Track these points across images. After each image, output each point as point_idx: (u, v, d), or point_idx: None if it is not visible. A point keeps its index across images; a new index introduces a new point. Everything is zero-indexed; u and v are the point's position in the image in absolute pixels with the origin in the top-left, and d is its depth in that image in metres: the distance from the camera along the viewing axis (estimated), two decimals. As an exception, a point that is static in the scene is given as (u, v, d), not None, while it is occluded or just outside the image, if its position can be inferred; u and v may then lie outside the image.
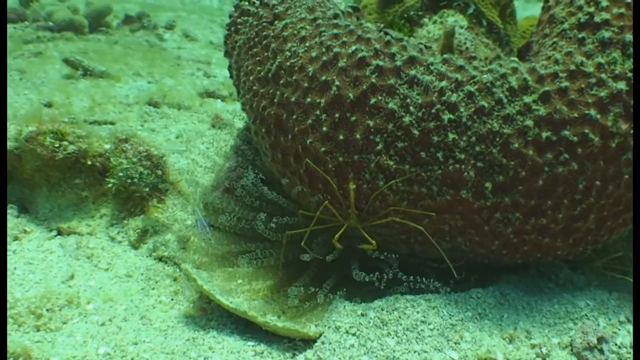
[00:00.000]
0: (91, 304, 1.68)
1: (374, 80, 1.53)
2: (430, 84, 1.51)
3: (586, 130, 1.47)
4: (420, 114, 1.50)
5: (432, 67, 1.53)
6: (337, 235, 1.55)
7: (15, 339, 1.45)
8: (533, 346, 1.53)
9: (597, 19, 1.55)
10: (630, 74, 1.50)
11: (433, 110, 1.49)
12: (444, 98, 1.49)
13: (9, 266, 1.81)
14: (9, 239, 1.95)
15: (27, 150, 2.11)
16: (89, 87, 3.55)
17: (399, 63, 1.53)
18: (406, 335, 1.53)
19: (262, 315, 1.56)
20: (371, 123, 1.53)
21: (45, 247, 1.95)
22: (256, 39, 1.85)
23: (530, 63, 1.55)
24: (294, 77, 1.64)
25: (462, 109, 1.48)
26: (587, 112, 1.47)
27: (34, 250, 1.93)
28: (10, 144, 2.13)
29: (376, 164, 1.54)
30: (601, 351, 1.51)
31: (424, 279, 1.62)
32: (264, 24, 1.84)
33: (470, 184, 1.50)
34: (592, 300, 1.66)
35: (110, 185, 2.05)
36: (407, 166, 1.52)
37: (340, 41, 1.62)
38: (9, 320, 1.53)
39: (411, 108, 1.51)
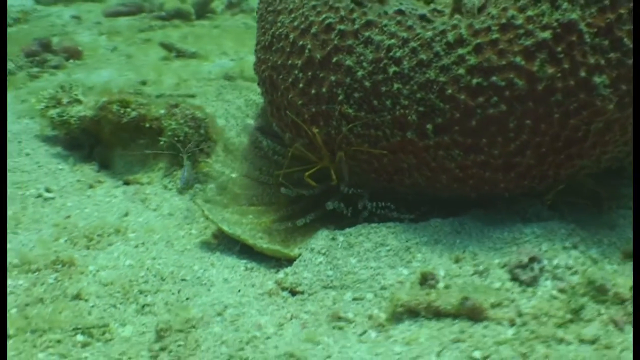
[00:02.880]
0: (134, 233, 2.14)
1: (336, 42, 1.84)
2: (381, 42, 1.79)
3: (511, 75, 1.69)
4: (371, 68, 1.79)
5: (385, 28, 1.81)
6: (308, 173, 1.88)
7: (67, 252, 1.93)
8: (475, 265, 1.78)
9: (531, -24, 1.75)
10: (556, 24, 1.69)
11: (381, 65, 1.78)
12: (391, 54, 1.77)
13: (82, 207, 2.31)
14: (85, 187, 2.46)
15: (101, 117, 2.61)
16: (180, 67, 4.07)
17: (357, 26, 1.83)
18: (366, 255, 1.84)
19: (252, 239, 1.93)
20: (333, 78, 1.84)
21: (111, 194, 2.44)
22: (264, 13, 2.20)
23: (472, 18, 1.78)
24: (281, 44, 1.99)
25: (405, 63, 1.76)
26: (513, 59, 1.69)
27: (102, 195, 2.42)
28: (90, 112, 2.65)
29: (339, 112, 1.85)
30: (531, 269, 1.73)
31: (387, 208, 1.90)
32: (269, 0, 2.19)
33: (414, 126, 1.77)
34: (542, 229, 1.86)
35: (162, 143, 2.50)
36: (363, 113, 1.82)
37: (316, 11, 1.93)
38: (68, 242, 2.01)
39: (364, 64, 1.80)
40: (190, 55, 4.28)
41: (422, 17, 1.83)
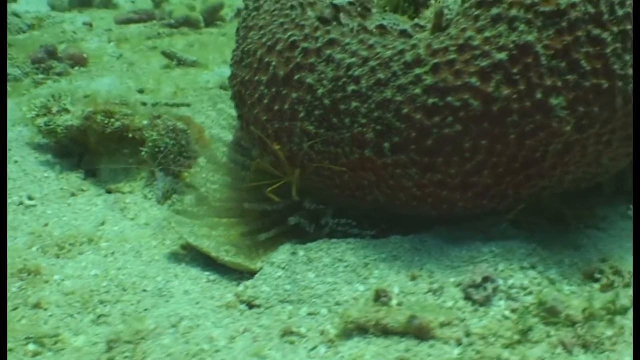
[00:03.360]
0: (107, 242, 2.18)
1: (299, 60, 1.87)
2: (341, 61, 1.81)
3: (466, 96, 1.70)
4: (330, 86, 1.81)
5: (347, 47, 1.83)
6: (270, 189, 1.90)
7: (35, 261, 1.97)
8: (430, 283, 1.79)
9: (490, -3, 1.76)
10: (512, 45, 1.70)
11: (340, 83, 1.80)
12: (350, 72, 1.79)
13: (61, 215, 2.37)
14: (67, 195, 2.52)
15: (87, 126, 2.67)
16: (179, 75, 4.13)
17: (319, 44, 1.85)
18: (324, 270, 1.86)
19: (215, 251, 1.97)
20: (295, 95, 1.87)
21: (92, 202, 2.50)
22: (239, 28, 2.24)
23: (432, 39, 1.80)
24: (249, 60, 2.02)
25: (363, 81, 1.78)
26: (468, 80, 1.70)
27: (82, 203, 2.48)
28: (77, 122, 2.71)
29: (300, 129, 1.87)
30: (484, 289, 1.74)
31: (348, 225, 1.92)
32: (246, 15, 2.22)
33: (372, 144, 1.79)
34: (501, 248, 1.86)
35: (143, 153, 2.55)
36: (323, 130, 1.84)
37: (283, 28, 1.96)
38: (39, 251, 2.06)
39: (324, 82, 1.82)
40: (191, 63, 4.34)
41: (403, 33, 1.84)
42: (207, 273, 1.98)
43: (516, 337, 1.62)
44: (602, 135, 1.80)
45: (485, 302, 1.73)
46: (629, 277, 1.84)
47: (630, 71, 1.74)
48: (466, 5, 1.81)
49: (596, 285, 1.84)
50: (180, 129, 2.58)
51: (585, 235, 2.05)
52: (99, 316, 1.72)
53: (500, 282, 1.78)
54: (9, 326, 1.64)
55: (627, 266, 1.88)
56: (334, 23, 1.92)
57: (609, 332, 1.64)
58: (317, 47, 1.85)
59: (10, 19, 5.81)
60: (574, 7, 1.70)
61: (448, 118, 1.72)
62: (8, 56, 4.55)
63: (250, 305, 1.82)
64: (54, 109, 2.80)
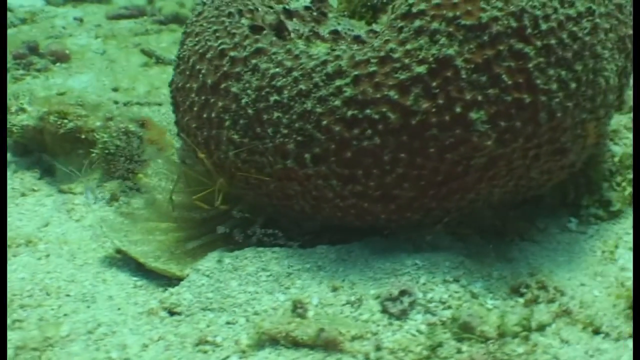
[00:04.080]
0: (46, 244, 2.19)
1: (226, 69, 1.87)
2: (266, 70, 1.81)
3: (384, 109, 1.69)
4: (254, 96, 1.81)
5: (273, 57, 1.83)
6: (196, 197, 1.90)
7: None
8: (350, 295, 1.79)
9: (414, 9, 1.74)
10: (432, 59, 1.68)
11: (263, 93, 1.79)
12: (273, 82, 1.79)
13: (9, 215, 2.38)
14: (17, 195, 2.54)
15: (42, 127, 2.68)
16: (156, 74, 4.14)
17: (246, 53, 1.85)
18: (247, 279, 1.86)
19: (143, 257, 1.97)
20: (221, 104, 1.86)
21: (41, 202, 2.51)
22: (183, 34, 2.23)
23: (355, 50, 1.79)
24: (183, 66, 2.02)
25: (285, 92, 1.77)
26: (387, 93, 1.69)
27: (31, 204, 2.49)
28: (32, 122, 2.72)
29: (227, 138, 1.87)
30: (401, 302, 1.73)
31: (274, 235, 1.92)
32: (190, 21, 2.22)
33: (293, 154, 1.78)
34: (426, 261, 1.86)
35: (93, 154, 2.56)
36: (248, 139, 1.84)
37: (215, 36, 1.96)
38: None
39: (249, 91, 1.82)
40: (169, 62, 4.34)
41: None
42: (135, 279, 1.98)
43: (425, 352, 1.62)
44: (528, 149, 1.79)
45: (402, 315, 1.73)
46: (554, 292, 1.83)
47: (554, 86, 1.72)
48: (392, 16, 1.80)
49: (521, 300, 1.83)
50: (132, 132, 2.58)
51: (518, 248, 2.04)
52: (14, 321, 1.73)
53: (420, 295, 1.77)
54: None
55: (556, 281, 1.87)
56: (264, 32, 1.91)
57: (520, 350, 1.63)
58: (244, 56, 1.85)
59: (2, 13, 5.82)
60: (496, 21, 1.68)
61: (367, 131, 1.71)
62: (-11, 51, 4.57)
63: (172, 313, 1.82)
64: (13, 109, 2.82)
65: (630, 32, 1.95)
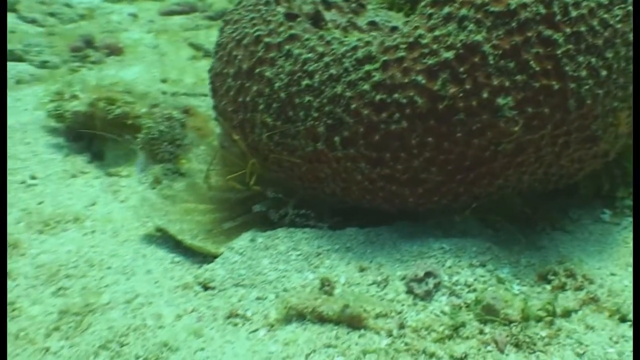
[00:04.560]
0: (92, 222, 2.31)
1: (260, 54, 1.94)
2: (299, 56, 1.87)
3: (412, 94, 1.73)
4: (287, 80, 1.87)
5: (306, 42, 1.89)
6: (230, 176, 1.98)
7: (17, 235, 2.12)
8: (377, 275, 1.83)
9: (444, -4, 1.78)
10: (460, 45, 1.72)
11: (295, 77, 1.86)
12: (305, 67, 1.85)
13: (57, 194, 2.51)
14: (68, 177, 2.67)
15: (92, 112, 2.81)
16: (204, 66, 4.24)
17: (280, 39, 1.92)
18: (278, 258, 1.92)
19: (180, 235, 2.06)
20: (255, 88, 1.93)
21: (89, 184, 2.63)
22: (222, 24, 2.32)
23: (384, 36, 1.83)
24: (220, 53, 2.10)
25: (317, 76, 1.83)
26: (415, 77, 1.73)
27: (80, 185, 2.62)
28: (83, 108, 2.85)
29: (260, 121, 1.94)
30: (426, 283, 1.77)
31: (306, 216, 1.98)
32: (231, 9, 2.30)
33: (323, 137, 1.84)
34: (453, 245, 1.89)
35: (138, 139, 2.67)
36: (280, 122, 1.90)
37: (252, 24, 2.03)
38: (25, 226, 2.21)
39: (282, 76, 1.88)
40: (217, 55, 4.45)
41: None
42: (173, 255, 2.07)
43: (448, 332, 1.65)
44: (557, 137, 1.80)
45: (426, 296, 1.76)
46: (582, 280, 1.84)
47: (584, 73, 1.73)
48: (422, 4, 1.83)
49: (548, 287, 1.84)
50: (175, 118, 2.68)
51: (549, 237, 2.04)
52: (59, 289, 1.84)
53: (445, 278, 1.80)
54: (-24, 294, 1.77)
55: (585, 270, 1.87)
56: (299, 19, 1.97)
57: (543, 333, 1.64)
58: (278, 42, 1.91)
59: (62, 9, 6.06)
60: (524, 8, 1.70)
61: (395, 114, 1.75)
62: (50, 44, 4.78)
63: (206, 287, 1.90)
64: (66, 96, 2.96)
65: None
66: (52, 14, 5.96)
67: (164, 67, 4.30)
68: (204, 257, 2.05)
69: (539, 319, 1.69)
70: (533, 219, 2.07)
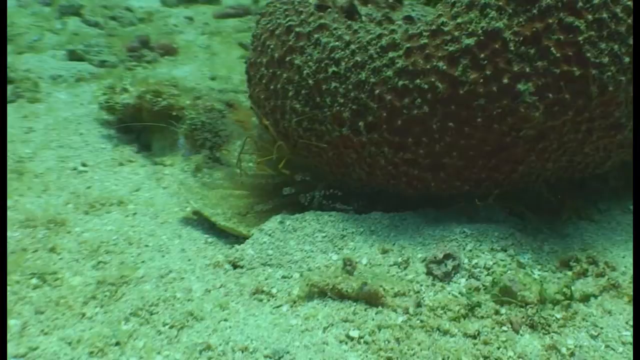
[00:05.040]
0: (135, 205, 2.44)
1: (291, 43, 2.02)
2: (327, 44, 1.95)
3: (433, 79, 1.78)
4: (315, 68, 1.95)
5: (334, 32, 1.96)
6: (259, 160, 2.07)
7: (65, 215, 2.26)
8: (398, 257, 1.89)
9: (468, -15, 1.82)
10: (481, 32, 1.76)
11: (322, 65, 1.93)
12: (332, 55, 1.92)
13: (105, 180, 2.66)
14: (116, 165, 2.82)
15: (140, 105, 2.96)
16: (252, 65, 4.38)
17: (310, 29, 2.00)
18: (304, 239, 2.00)
19: (214, 217, 2.16)
20: (285, 75, 2.02)
21: (135, 172, 2.77)
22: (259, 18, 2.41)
23: (410, 24, 1.89)
24: (255, 44, 2.20)
25: (343, 63, 1.90)
26: (436, 63, 1.78)
27: (126, 172, 2.76)
28: (132, 100, 3.01)
29: (290, 107, 2.02)
30: (445, 265, 1.81)
31: (333, 198, 2.05)
32: (267, 4, 2.40)
33: (348, 123, 1.91)
34: (475, 230, 1.92)
35: (181, 129, 2.80)
36: (308, 109, 1.98)
37: (285, 14, 2.12)
38: (72, 207, 2.35)
39: (310, 63, 1.96)
40: (265, 55, 4.57)
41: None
42: (207, 236, 2.17)
43: (463, 311, 1.69)
44: (580, 123, 1.82)
45: (445, 277, 1.81)
46: (603, 266, 1.84)
47: (606, 59, 1.74)
48: (447, -7, 1.88)
49: (570, 273, 1.86)
50: (218, 110, 2.79)
51: (575, 226, 2.05)
52: (99, 262, 1.96)
53: (465, 260, 1.84)
54: (21, 262, 1.91)
55: (607, 257, 1.88)
56: (329, 10, 2.05)
57: (559, 316, 1.66)
58: (308, 32, 1.99)
59: (122, 13, 6.31)
60: (546, -5, 1.73)
61: (417, 100, 1.80)
62: (108, 45, 5.00)
63: (235, 266, 1.99)
64: (117, 89, 3.12)
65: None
66: (113, 18, 6.19)
67: (213, 65, 4.45)
68: (236, 238, 2.15)
69: (556, 302, 1.71)
70: (559, 208, 2.08)
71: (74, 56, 4.68)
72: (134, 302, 1.75)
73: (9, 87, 3.65)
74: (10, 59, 4.36)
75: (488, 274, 1.81)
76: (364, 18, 2.10)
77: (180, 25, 6.15)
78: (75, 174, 2.70)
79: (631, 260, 1.90)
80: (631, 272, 1.83)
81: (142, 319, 1.68)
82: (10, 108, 3.40)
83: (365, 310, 1.71)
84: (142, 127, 3.13)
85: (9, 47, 4.91)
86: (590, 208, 2.14)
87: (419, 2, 2.65)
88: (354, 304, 1.74)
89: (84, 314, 1.71)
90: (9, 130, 3.01)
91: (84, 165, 2.77)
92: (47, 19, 5.88)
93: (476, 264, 1.82)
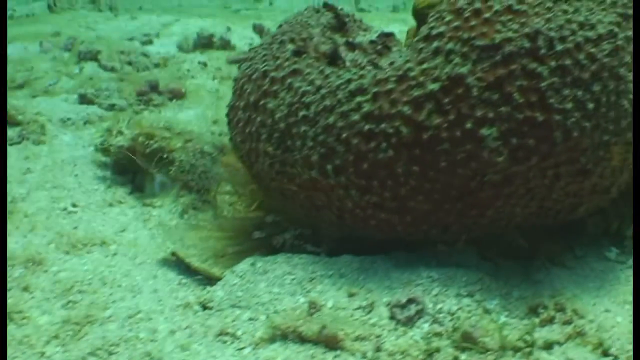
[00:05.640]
0: (118, 246, 2.46)
1: (266, 87, 2.06)
2: (298, 88, 1.98)
3: (397, 123, 1.80)
4: (286, 112, 1.99)
5: (306, 77, 2.00)
6: (232, 203, 2.09)
7: (44, 255, 2.29)
8: (364, 300, 1.88)
9: (434, 31, 1.86)
10: (445, 77, 1.78)
11: (294, 109, 1.97)
12: (302, 99, 1.96)
13: (93, 221, 2.70)
14: (106, 206, 2.86)
15: (133, 147, 3.02)
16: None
17: (283, 74, 2.04)
18: (274, 281, 2.00)
19: (187, 258, 2.18)
20: (259, 119, 2.06)
21: (124, 213, 2.81)
22: (245, 62, 2.47)
23: (379, 70, 1.92)
24: (235, 88, 2.24)
25: (313, 107, 1.93)
26: (401, 108, 1.80)
27: (115, 213, 2.80)
28: (127, 143, 3.07)
29: (263, 150, 2.05)
30: (408, 309, 1.80)
31: (303, 240, 2.06)
32: (249, 49, 2.46)
33: (317, 165, 1.93)
34: (442, 275, 1.91)
35: (171, 172, 2.84)
36: (280, 151, 2.01)
37: (262, 60, 2.17)
38: (54, 247, 2.39)
39: (282, 107, 2.00)
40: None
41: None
42: (181, 277, 2.18)
43: (421, 357, 1.67)
44: (545, 169, 1.81)
45: (408, 322, 1.79)
46: (571, 314, 1.82)
47: (569, 105, 1.75)
48: (415, 39, 1.91)
49: (537, 320, 1.83)
50: (208, 153, 2.84)
51: (548, 272, 2.03)
52: (69, 302, 1.98)
53: (430, 305, 1.82)
54: (-5, 302, 1.94)
55: (576, 304, 1.85)
56: (304, 55, 2.09)
57: (519, 363, 1.64)
58: (282, 76, 2.03)
59: (139, 58, 6.45)
60: (509, 42, 1.75)
61: (382, 144, 1.82)
62: (119, 89, 5.11)
63: (205, 307, 2.00)
64: (114, 131, 3.18)
65: (669, 57, 1.93)
66: (129, 63, 6.33)
67: (218, 109, 4.52)
68: (210, 280, 2.15)
69: (517, 349, 1.68)
70: (533, 254, 2.06)
71: (84, 100, 4.80)
72: (95, 341, 1.76)
73: (16, 130, 3.75)
74: (22, 102, 4.49)
75: (452, 319, 1.79)
76: (348, 64, 2.13)
77: (193, 70, 6.28)
78: (65, 214, 2.74)
79: (600, 308, 1.87)
80: (599, 319, 1.80)
81: (99, 359, 1.69)
82: (13, 150, 3.48)
83: (324, 353, 1.70)
84: (137, 169, 3.18)
85: (25, 91, 5.06)
86: (566, 254, 2.11)
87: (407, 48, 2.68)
88: (314, 347, 1.73)
89: (43, 353, 1.72)
90: (8, 170, 3.08)
91: (74, 205, 2.82)
92: (66, 64, 6.05)
93: (441, 308, 1.81)
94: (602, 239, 2.17)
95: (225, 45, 7.31)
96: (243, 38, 7.54)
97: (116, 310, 1.94)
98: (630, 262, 2.08)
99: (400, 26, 5.49)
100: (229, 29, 7.48)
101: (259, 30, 7.34)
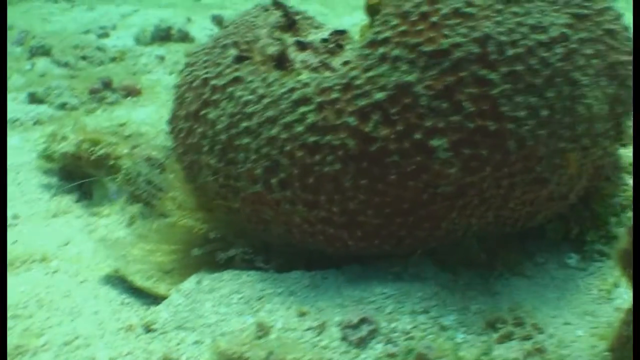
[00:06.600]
0: (59, 262, 2.34)
1: (206, 96, 1.95)
2: (240, 98, 1.87)
3: (343, 135, 1.70)
4: (228, 122, 1.87)
5: (248, 85, 1.89)
6: (177, 219, 1.98)
7: (-21, 275, 2.16)
8: (314, 320, 1.79)
9: (380, 36, 1.76)
10: (392, 85, 1.69)
11: (235, 120, 1.86)
12: (244, 109, 1.85)
13: (34, 234, 2.56)
14: (49, 217, 2.72)
15: (78, 154, 2.88)
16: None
17: (224, 82, 1.92)
18: (220, 301, 1.90)
19: (132, 276, 2.06)
20: (200, 130, 1.94)
21: (69, 224, 2.68)
22: (190, 66, 2.34)
23: (323, 77, 1.81)
24: (176, 96, 2.12)
25: (255, 118, 1.82)
26: (346, 119, 1.71)
27: (59, 224, 2.66)
28: (71, 149, 2.92)
29: (205, 163, 1.94)
30: (360, 330, 1.71)
31: (251, 255, 1.96)
32: (191, 53, 2.33)
33: (261, 179, 1.82)
34: (396, 291, 1.82)
35: (117, 179, 2.71)
36: (223, 164, 1.90)
37: (203, 66, 2.05)
38: (-9, 265, 2.25)
39: (223, 118, 1.89)
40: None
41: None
42: (124, 296, 2.07)
43: (373, 381, 1.59)
44: (500, 179, 1.74)
45: (361, 343, 1.71)
46: (530, 328, 1.75)
47: (523, 113, 1.67)
48: (361, 44, 1.82)
49: (495, 336, 1.76)
50: (155, 159, 2.71)
51: (506, 283, 1.96)
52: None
53: (383, 324, 1.74)
54: None
55: (536, 317, 1.79)
56: (246, 62, 1.98)
57: (474, 385, 1.57)
58: (223, 84, 1.92)
59: (94, 53, 6.23)
60: (457, 47, 1.66)
61: (328, 157, 1.72)
62: (70, 86, 4.92)
63: (148, 330, 1.89)
64: (59, 137, 3.03)
65: (624, 58, 1.86)
66: (84, 58, 6.11)
67: (173, 108, 4.38)
68: (155, 299, 2.04)
69: (473, 371, 1.61)
70: (491, 264, 1.99)
71: (33, 99, 4.61)
72: (24, 376, 1.64)
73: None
74: (-32, 102, 4.29)
75: (407, 339, 1.71)
76: (298, 65, 2.02)
77: (150, 65, 6.09)
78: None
79: (560, 320, 1.81)
80: (559, 334, 1.75)
81: (27, 396, 1.58)
82: (-45, 155, 3.31)
83: (271, 381, 1.60)
84: (84, 176, 3.04)
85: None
86: (525, 262, 2.04)
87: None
88: (261, 374, 1.63)
89: (-32, 391, 1.60)
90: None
91: (15, 217, 2.68)
92: (17, 60, 5.83)
93: (395, 327, 1.73)
94: (562, 244, 2.11)
95: (184, 37, 7.10)
96: (203, 29, 7.33)
97: (52, 337, 1.83)
98: (591, 269, 2.02)
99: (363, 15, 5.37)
100: (189, 19, 7.26)
101: (218, 21, 7.14)
